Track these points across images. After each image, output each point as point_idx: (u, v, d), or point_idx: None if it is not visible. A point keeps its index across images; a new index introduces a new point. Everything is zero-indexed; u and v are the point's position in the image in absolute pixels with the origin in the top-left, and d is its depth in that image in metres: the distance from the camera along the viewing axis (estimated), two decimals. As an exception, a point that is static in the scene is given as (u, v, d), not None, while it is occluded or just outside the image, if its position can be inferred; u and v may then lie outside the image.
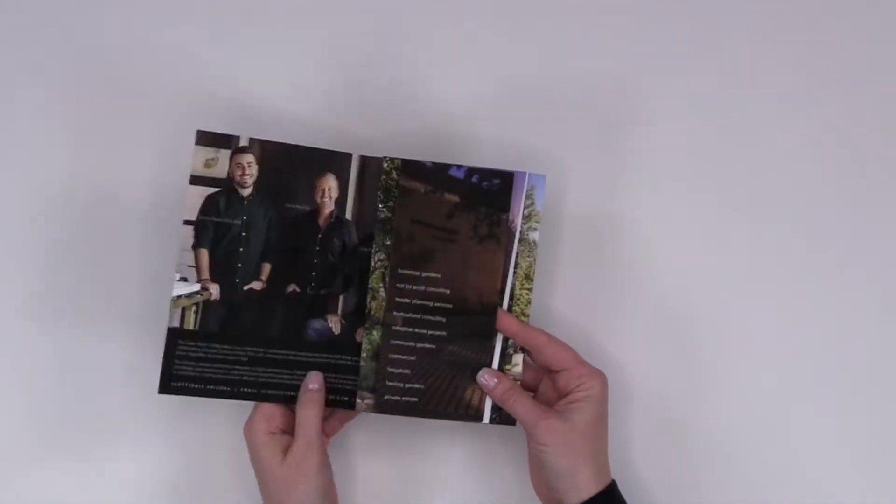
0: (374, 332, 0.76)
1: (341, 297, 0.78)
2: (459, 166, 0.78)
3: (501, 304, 0.77)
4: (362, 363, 0.76)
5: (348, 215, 0.78)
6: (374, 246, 0.77)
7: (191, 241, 0.76)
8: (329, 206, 0.78)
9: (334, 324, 0.77)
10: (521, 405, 0.74)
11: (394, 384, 0.76)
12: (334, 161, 0.78)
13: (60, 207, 0.84)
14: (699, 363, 0.85)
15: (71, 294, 0.84)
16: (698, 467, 0.85)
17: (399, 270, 0.77)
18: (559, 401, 0.75)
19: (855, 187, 0.87)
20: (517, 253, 0.77)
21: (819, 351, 0.86)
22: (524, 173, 0.77)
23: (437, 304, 0.77)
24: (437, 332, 0.77)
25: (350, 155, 0.78)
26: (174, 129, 0.84)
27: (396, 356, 0.76)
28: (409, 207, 0.77)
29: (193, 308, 0.75)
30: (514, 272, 0.77)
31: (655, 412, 0.85)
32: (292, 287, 0.77)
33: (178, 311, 0.75)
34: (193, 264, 0.76)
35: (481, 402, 0.77)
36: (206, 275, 0.76)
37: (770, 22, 0.87)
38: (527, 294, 0.77)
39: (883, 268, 0.86)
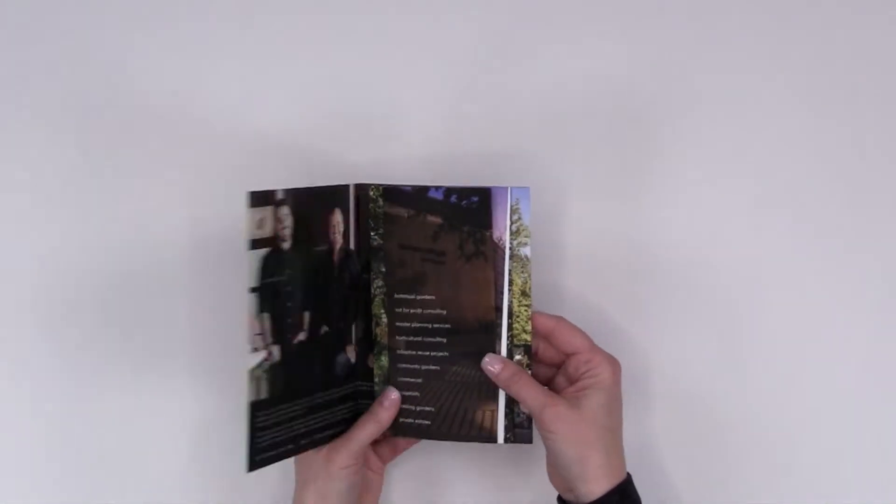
0: (382, 358, 0.79)
1: (353, 326, 0.79)
2: (437, 187, 0.77)
3: (499, 321, 0.76)
4: (375, 388, 0.79)
5: (351, 245, 0.79)
6: (371, 273, 0.79)
7: (256, 307, 0.70)
8: (339, 242, 0.78)
9: (351, 353, 0.79)
10: (527, 390, 0.72)
11: (405, 406, 0.78)
12: (337, 195, 0.77)
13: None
14: (727, 355, 0.84)
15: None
16: (724, 461, 0.84)
17: (395, 295, 0.78)
18: (568, 388, 0.74)
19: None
20: (510, 270, 0.76)
21: (849, 343, 0.83)
22: (504, 188, 0.75)
23: (435, 326, 0.77)
24: (439, 353, 0.78)
25: (348, 186, 0.78)
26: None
27: (404, 379, 0.79)
28: (396, 233, 0.77)
29: (263, 376, 0.71)
30: (510, 289, 0.76)
31: (680, 404, 0.84)
32: (324, 328, 0.76)
33: (255, 382, 0.71)
34: (260, 331, 0.71)
35: (493, 423, 0.77)
36: (269, 339, 0.71)
37: (773, 21, 0.82)
38: (525, 311, 0.76)
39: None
